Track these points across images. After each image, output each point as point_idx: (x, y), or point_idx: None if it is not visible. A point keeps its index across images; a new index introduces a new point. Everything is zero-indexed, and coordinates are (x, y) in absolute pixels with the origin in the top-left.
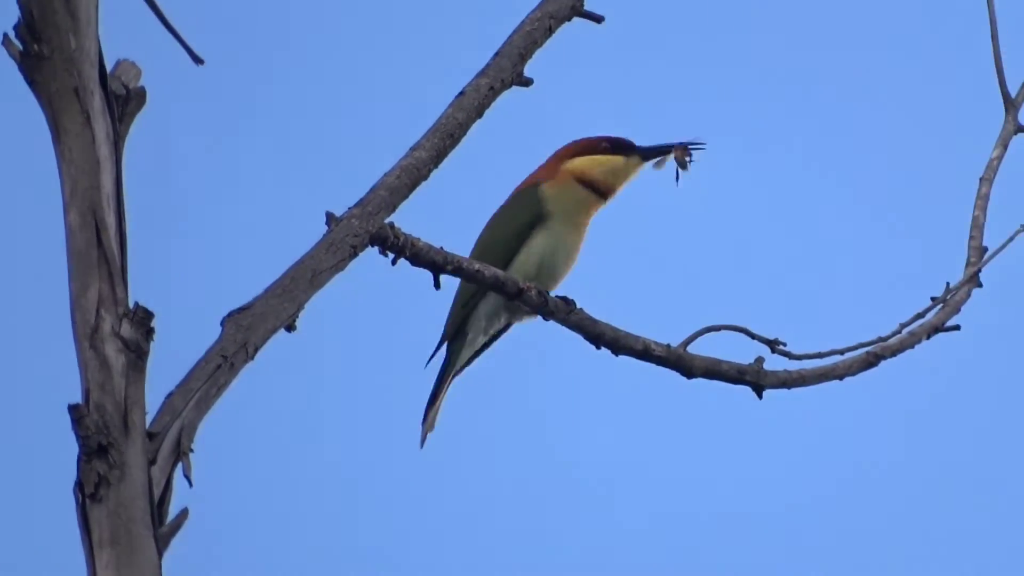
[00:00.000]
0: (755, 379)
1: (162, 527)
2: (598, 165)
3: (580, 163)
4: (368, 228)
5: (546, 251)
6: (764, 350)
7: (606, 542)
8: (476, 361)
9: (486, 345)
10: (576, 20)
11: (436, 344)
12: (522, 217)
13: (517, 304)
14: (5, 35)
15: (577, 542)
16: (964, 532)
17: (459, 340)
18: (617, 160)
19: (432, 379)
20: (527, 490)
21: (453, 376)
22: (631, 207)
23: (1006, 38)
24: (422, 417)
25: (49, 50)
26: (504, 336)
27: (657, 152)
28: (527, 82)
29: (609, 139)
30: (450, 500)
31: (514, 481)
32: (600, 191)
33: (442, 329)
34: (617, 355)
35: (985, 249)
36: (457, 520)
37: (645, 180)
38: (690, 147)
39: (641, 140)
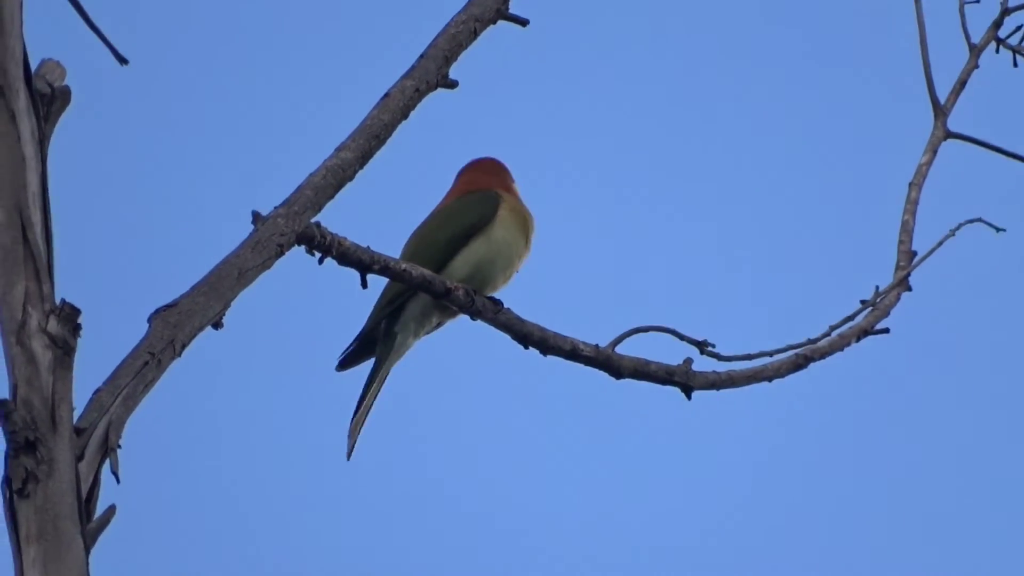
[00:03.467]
0: (684, 380)
1: (90, 523)
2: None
3: (517, 191)
4: (294, 227)
5: (484, 257)
6: (693, 351)
7: (533, 543)
8: (404, 360)
9: None
10: (501, 23)
11: (348, 344)
12: (471, 219)
13: (446, 304)
14: None
15: (505, 542)
16: (890, 532)
17: (387, 344)
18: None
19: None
20: (455, 491)
21: (381, 383)
22: (562, 209)
23: (935, 44)
24: (348, 427)
25: None
26: (432, 335)
27: None
28: (452, 84)
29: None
30: (375, 500)
31: (441, 482)
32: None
33: (359, 331)
34: (545, 355)
35: (914, 253)
36: (380, 519)
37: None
38: None
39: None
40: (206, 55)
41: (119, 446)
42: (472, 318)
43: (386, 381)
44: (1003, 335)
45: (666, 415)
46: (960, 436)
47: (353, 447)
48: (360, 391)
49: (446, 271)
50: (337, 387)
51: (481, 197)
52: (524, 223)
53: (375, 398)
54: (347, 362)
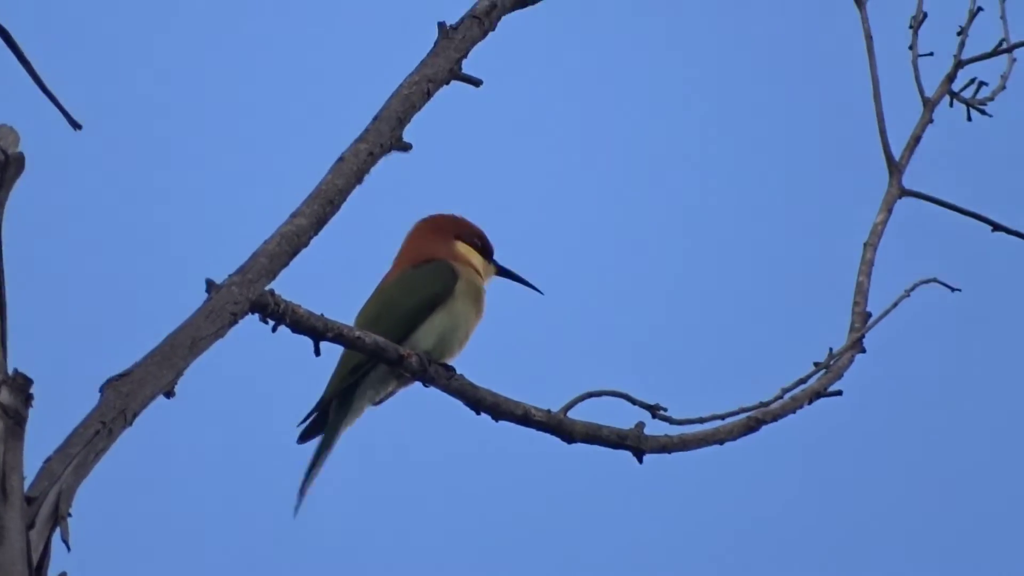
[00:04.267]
0: (636, 444)
1: None
2: (476, 259)
3: (466, 251)
4: (248, 295)
5: (447, 328)
6: (645, 415)
7: None
8: (357, 424)
9: None
10: (454, 83)
11: (308, 411)
12: (432, 289)
13: (399, 371)
14: None
15: None
16: None
17: (343, 410)
18: (483, 262)
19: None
20: (407, 557)
21: (331, 447)
22: (515, 268)
23: (889, 99)
24: (300, 486)
25: None
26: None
27: (507, 275)
28: (406, 147)
29: (481, 237)
30: (325, 566)
31: (394, 547)
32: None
33: (318, 399)
34: (497, 420)
35: (869, 315)
36: None
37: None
38: (533, 288)
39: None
40: (160, 120)
41: (70, 514)
42: (425, 385)
43: (336, 445)
44: (958, 396)
45: (618, 480)
46: (914, 497)
47: (299, 505)
48: (312, 455)
49: (409, 341)
50: (293, 456)
51: (437, 268)
52: (478, 294)
53: (325, 460)
54: (307, 434)
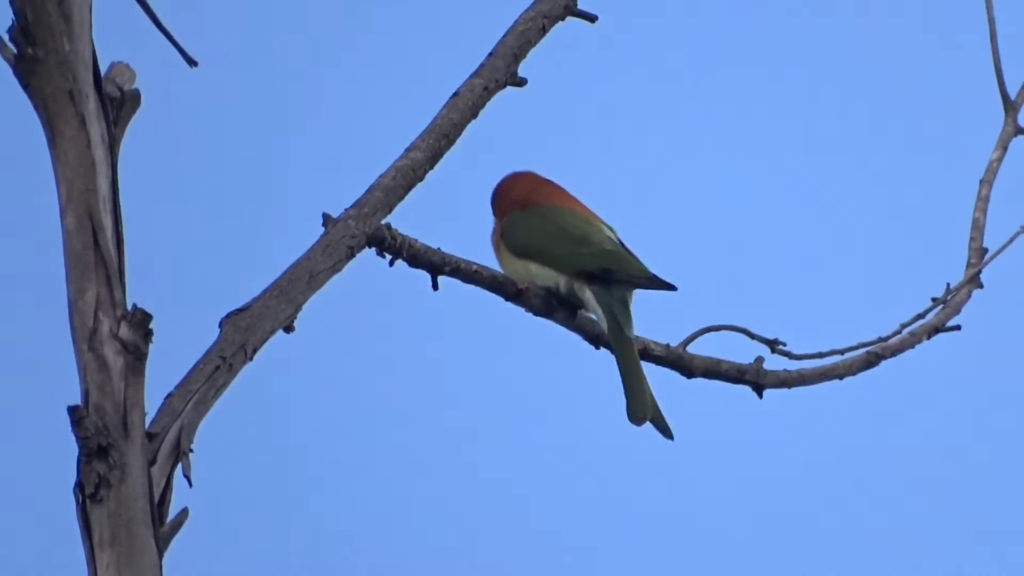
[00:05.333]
0: (755, 379)
1: (162, 527)
2: None
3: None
4: (365, 229)
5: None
6: (764, 350)
7: (608, 540)
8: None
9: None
10: (570, 19)
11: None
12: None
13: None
14: None
15: (583, 535)
16: (964, 533)
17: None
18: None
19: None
20: (522, 489)
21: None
22: (630, 206)
23: (1005, 40)
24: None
25: (44, 53)
26: (498, 335)
27: None
28: (521, 82)
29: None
30: (452, 500)
31: (509, 481)
32: None
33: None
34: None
35: (985, 250)
36: (466, 523)
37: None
38: None
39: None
40: (274, 57)
41: (191, 450)
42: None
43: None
44: None
45: (738, 414)
46: None
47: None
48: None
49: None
50: (409, 390)
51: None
52: None
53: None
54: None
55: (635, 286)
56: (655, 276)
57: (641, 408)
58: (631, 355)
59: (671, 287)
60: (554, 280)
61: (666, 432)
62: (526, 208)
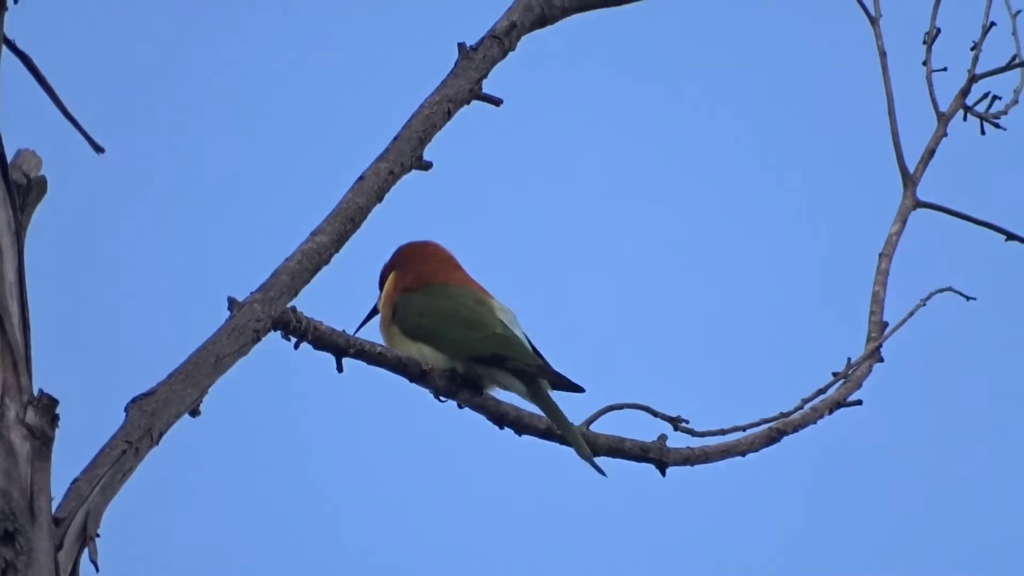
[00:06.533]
0: (658, 456)
1: None
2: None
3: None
4: (271, 313)
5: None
6: (667, 427)
7: None
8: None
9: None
10: (475, 103)
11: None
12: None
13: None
14: None
15: None
16: None
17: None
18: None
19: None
20: (452, 566)
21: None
22: (535, 287)
23: (903, 113)
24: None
25: None
26: (402, 416)
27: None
28: (426, 166)
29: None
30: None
31: (438, 559)
32: None
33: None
34: (520, 435)
35: (886, 324)
36: None
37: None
38: None
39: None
40: (181, 142)
41: (98, 535)
42: (446, 400)
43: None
44: (975, 404)
45: (641, 492)
46: (934, 505)
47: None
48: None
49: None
50: (313, 471)
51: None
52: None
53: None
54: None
55: (529, 375)
56: (547, 365)
57: (583, 446)
58: (552, 404)
59: (579, 388)
60: (449, 364)
61: (599, 469)
62: (415, 289)
